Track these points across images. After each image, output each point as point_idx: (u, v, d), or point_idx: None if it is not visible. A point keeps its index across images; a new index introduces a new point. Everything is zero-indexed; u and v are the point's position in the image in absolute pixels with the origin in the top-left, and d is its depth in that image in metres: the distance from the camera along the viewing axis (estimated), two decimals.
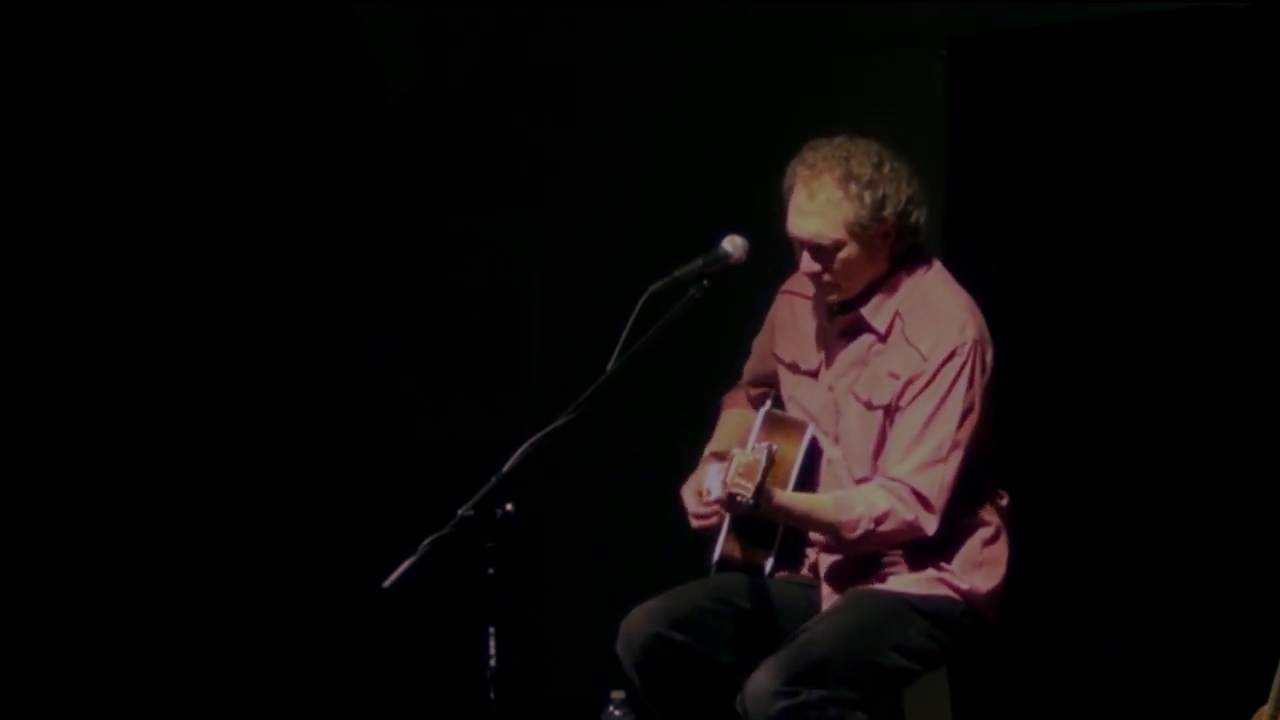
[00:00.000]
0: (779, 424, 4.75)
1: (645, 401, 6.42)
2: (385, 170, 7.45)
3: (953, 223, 6.24)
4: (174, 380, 7.12)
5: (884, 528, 4.52)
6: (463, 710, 5.09)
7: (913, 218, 4.64)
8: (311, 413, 7.35)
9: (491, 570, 4.45)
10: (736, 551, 4.73)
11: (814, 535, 4.69)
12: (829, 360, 4.75)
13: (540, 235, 7.34)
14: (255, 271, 7.25)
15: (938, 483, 4.52)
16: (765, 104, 6.72)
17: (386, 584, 4.33)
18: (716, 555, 4.75)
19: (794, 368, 4.82)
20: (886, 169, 4.60)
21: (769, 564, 4.71)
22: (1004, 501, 4.71)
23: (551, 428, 4.43)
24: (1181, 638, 5.84)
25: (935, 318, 4.61)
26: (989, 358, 4.62)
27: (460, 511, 4.35)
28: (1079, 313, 6.09)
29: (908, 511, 4.52)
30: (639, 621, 4.64)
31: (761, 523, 4.62)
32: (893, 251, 4.65)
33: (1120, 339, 6.04)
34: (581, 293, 7.05)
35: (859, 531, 4.53)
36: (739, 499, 4.33)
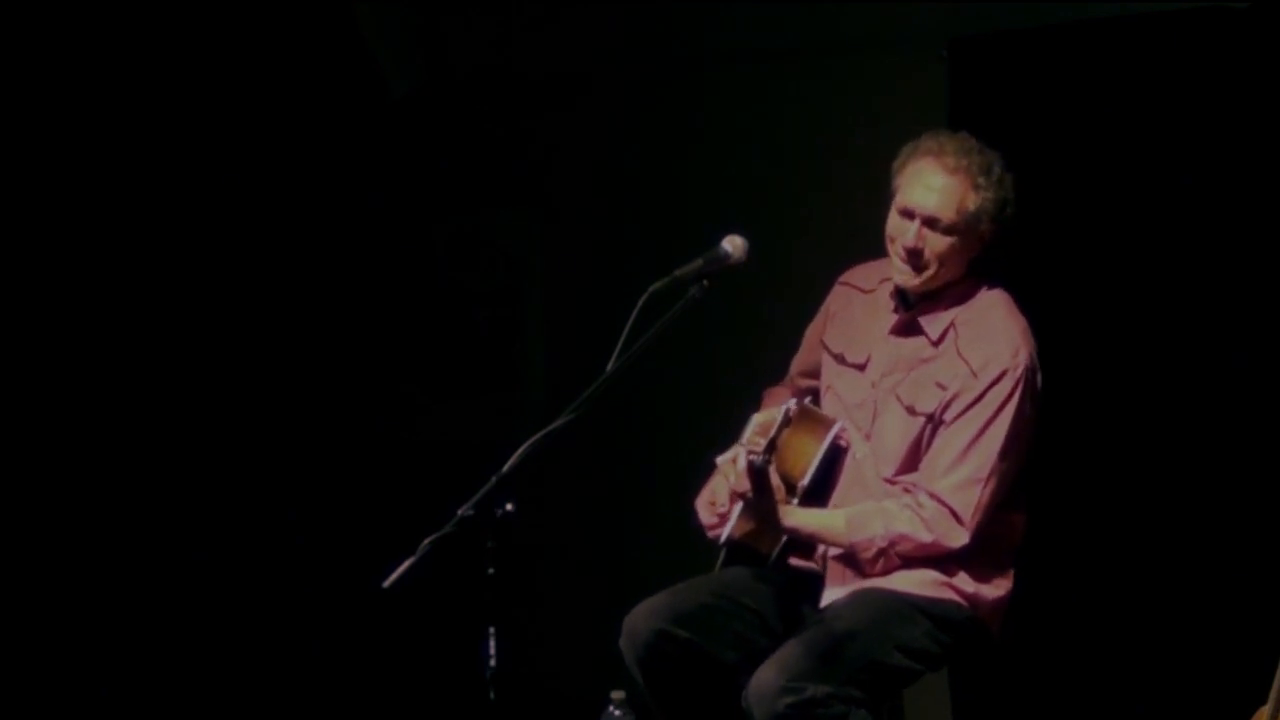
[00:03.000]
0: (806, 417, 4.74)
1: (645, 401, 6.42)
2: (385, 170, 7.45)
3: None
4: (174, 380, 7.12)
5: (899, 549, 4.54)
6: (463, 710, 5.09)
7: (1002, 233, 4.67)
8: (311, 412, 7.35)
9: (491, 570, 4.45)
10: (747, 534, 4.72)
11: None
12: (877, 357, 4.75)
13: (540, 235, 7.34)
14: (255, 271, 7.25)
15: (974, 502, 4.52)
16: (765, 104, 6.72)
17: (386, 584, 4.33)
18: (725, 535, 4.74)
19: (840, 358, 4.83)
20: (1005, 181, 4.66)
21: (776, 550, 4.71)
22: (1021, 523, 4.71)
23: (551, 428, 4.43)
24: (1181, 638, 5.84)
25: (990, 336, 4.62)
26: (1038, 384, 4.63)
27: (460, 511, 4.34)
28: (1079, 313, 6.09)
29: (927, 533, 4.52)
30: (642, 618, 4.65)
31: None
32: (974, 259, 4.68)
33: (1119, 339, 6.04)
34: (581, 293, 7.05)
35: (872, 551, 4.54)
36: (751, 457, 4.35)
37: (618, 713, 4.91)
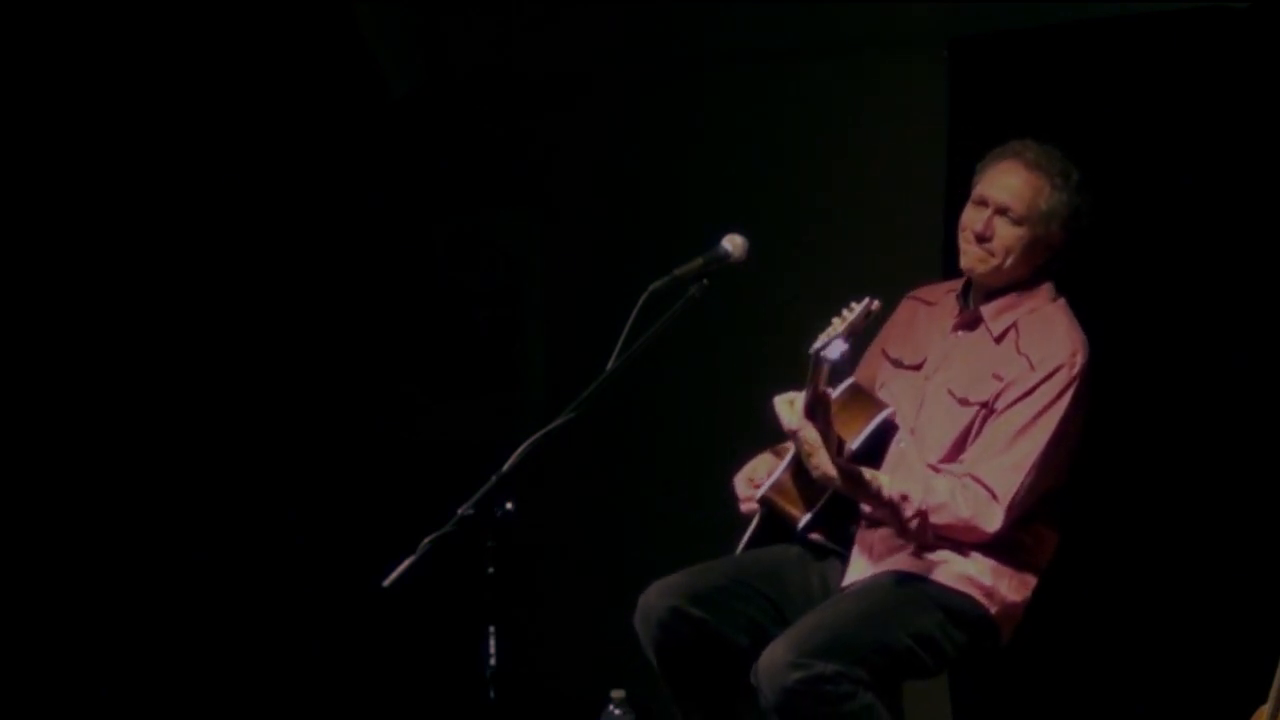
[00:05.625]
0: (859, 395, 4.74)
1: (645, 401, 6.42)
2: (385, 170, 7.45)
3: (952, 223, 6.22)
4: (175, 380, 7.12)
5: (935, 519, 4.53)
6: (463, 710, 5.09)
7: (1071, 244, 4.72)
8: (312, 412, 7.35)
9: (491, 570, 4.45)
10: (783, 494, 4.72)
11: (866, 510, 4.68)
12: (933, 356, 4.80)
13: (540, 235, 7.35)
14: (255, 271, 7.25)
15: (1014, 487, 4.54)
16: (765, 104, 6.72)
17: (386, 583, 4.33)
18: (763, 492, 4.74)
19: (898, 363, 4.87)
20: (1083, 191, 4.72)
21: (805, 520, 4.70)
22: (1052, 541, 4.72)
23: (551, 427, 4.43)
24: (1181, 638, 5.84)
25: (1050, 335, 4.67)
26: (1087, 389, 4.65)
27: (460, 511, 4.35)
28: (1079, 313, 6.08)
29: (966, 509, 4.53)
30: (656, 595, 4.66)
31: (815, 481, 4.61)
32: (1043, 264, 4.72)
33: (1120, 338, 6.03)
34: (581, 293, 7.05)
35: (910, 512, 4.52)
36: (819, 349, 4.32)
37: (618, 712, 4.92)
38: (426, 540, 4.32)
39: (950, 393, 4.69)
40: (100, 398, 6.99)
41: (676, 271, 4.66)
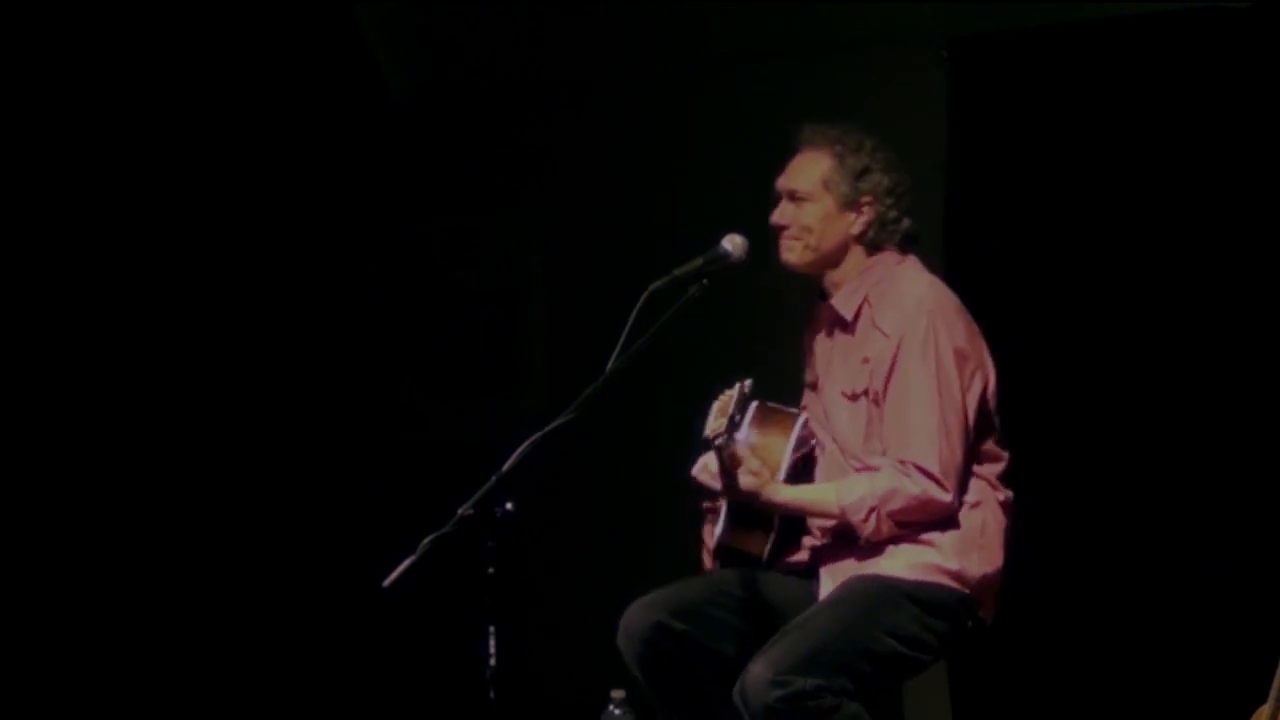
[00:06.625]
0: (769, 414, 4.77)
1: (646, 401, 6.42)
2: (386, 170, 7.45)
3: (952, 223, 6.24)
4: (174, 381, 7.12)
5: (892, 506, 4.54)
6: (463, 710, 5.09)
7: (890, 208, 4.74)
8: (312, 412, 7.35)
9: (491, 570, 4.45)
10: (735, 540, 4.73)
11: (814, 523, 4.71)
12: (819, 366, 4.84)
13: (540, 235, 7.35)
14: (256, 272, 7.25)
15: (936, 454, 4.54)
16: (765, 104, 6.71)
17: (386, 583, 4.33)
18: (715, 542, 4.76)
19: (810, 387, 4.89)
20: (877, 153, 4.75)
21: (766, 551, 4.72)
22: (1002, 495, 4.71)
23: (551, 427, 4.43)
24: (1181, 638, 5.84)
25: (896, 301, 4.68)
26: (956, 327, 4.65)
27: (460, 511, 4.35)
28: (1079, 313, 6.09)
29: (914, 486, 4.54)
30: (638, 613, 4.67)
31: (759, 510, 4.64)
32: (864, 235, 4.73)
33: (1120, 339, 6.04)
34: (581, 293, 7.05)
35: (864, 512, 4.55)
36: (714, 439, 4.42)
37: (618, 712, 4.92)
38: (426, 540, 4.32)
39: (842, 394, 4.72)
40: (101, 398, 6.99)
41: (676, 272, 4.66)
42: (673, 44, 6.91)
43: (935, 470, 4.54)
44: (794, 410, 4.80)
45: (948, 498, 4.56)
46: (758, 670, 4.42)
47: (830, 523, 4.66)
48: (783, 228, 4.76)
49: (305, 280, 7.35)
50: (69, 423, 6.94)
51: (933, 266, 4.91)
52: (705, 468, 4.80)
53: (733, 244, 4.73)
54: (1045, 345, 6.08)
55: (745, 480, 4.54)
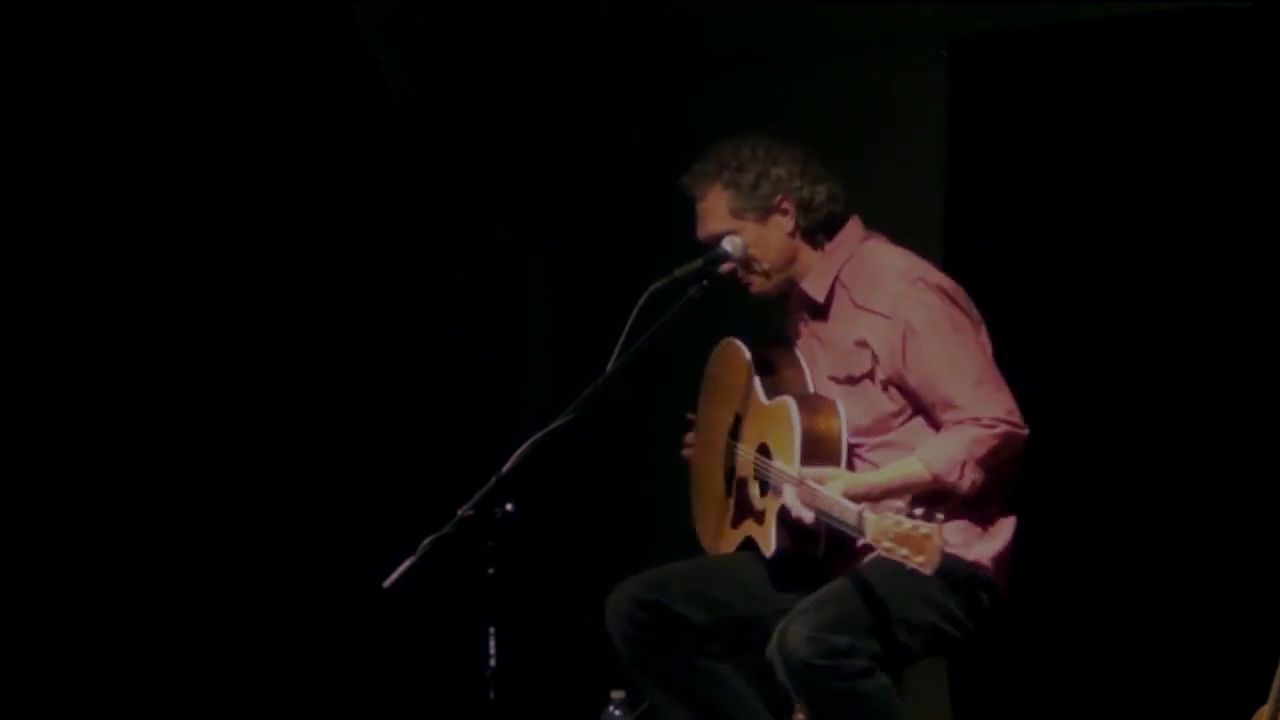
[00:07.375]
0: (810, 403, 4.71)
1: (646, 401, 6.41)
2: (386, 170, 7.45)
3: (952, 223, 6.24)
4: (174, 381, 7.12)
5: (978, 454, 4.54)
6: (463, 710, 5.09)
7: (807, 192, 4.74)
8: (312, 413, 7.35)
9: (491, 570, 4.45)
10: (796, 540, 4.67)
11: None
12: (805, 359, 4.82)
13: (540, 235, 7.34)
14: (256, 272, 7.25)
15: (990, 401, 4.55)
16: (765, 104, 6.71)
17: (386, 584, 4.33)
18: (773, 551, 4.68)
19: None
20: (758, 153, 4.76)
21: (822, 547, 4.66)
22: (1005, 472, 4.68)
23: (551, 428, 4.44)
24: (1181, 638, 5.84)
25: (877, 277, 4.69)
26: (944, 282, 4.67)
27: (460, 511, 4.36)
28: (1079, 313, 6.09)
29: (992, 433, 4.54)
30: (617, 592, 4.75)
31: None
32: (801, 228, 4.74)
33: (1121, 338, 6.04)
34: (581, 293, 7.05)
35: (958, 470, 4.53)
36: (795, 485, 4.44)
37: (618, 713, 4.92)
38: (427, 541, 4.32)
39: (832, 379, 4.71)
40: (101, 398, 6.98)
41: (676, 272, 4.67)
42: (673, 44, 6.90)
43: (1001, 414, 4.55)
44: (829, 398, 4.71)
45: (1024, 430, 4.57)
46: (796, 627, 4.43)
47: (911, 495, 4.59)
48: (735, 275, 4.77)
49: (305, 280, 7.34)
50: (69, 423, 6.93)
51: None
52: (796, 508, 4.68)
53: (732, 245, 4.74)
54: (1045, 345, 6.07)
55: (832, 490, 4.46)
